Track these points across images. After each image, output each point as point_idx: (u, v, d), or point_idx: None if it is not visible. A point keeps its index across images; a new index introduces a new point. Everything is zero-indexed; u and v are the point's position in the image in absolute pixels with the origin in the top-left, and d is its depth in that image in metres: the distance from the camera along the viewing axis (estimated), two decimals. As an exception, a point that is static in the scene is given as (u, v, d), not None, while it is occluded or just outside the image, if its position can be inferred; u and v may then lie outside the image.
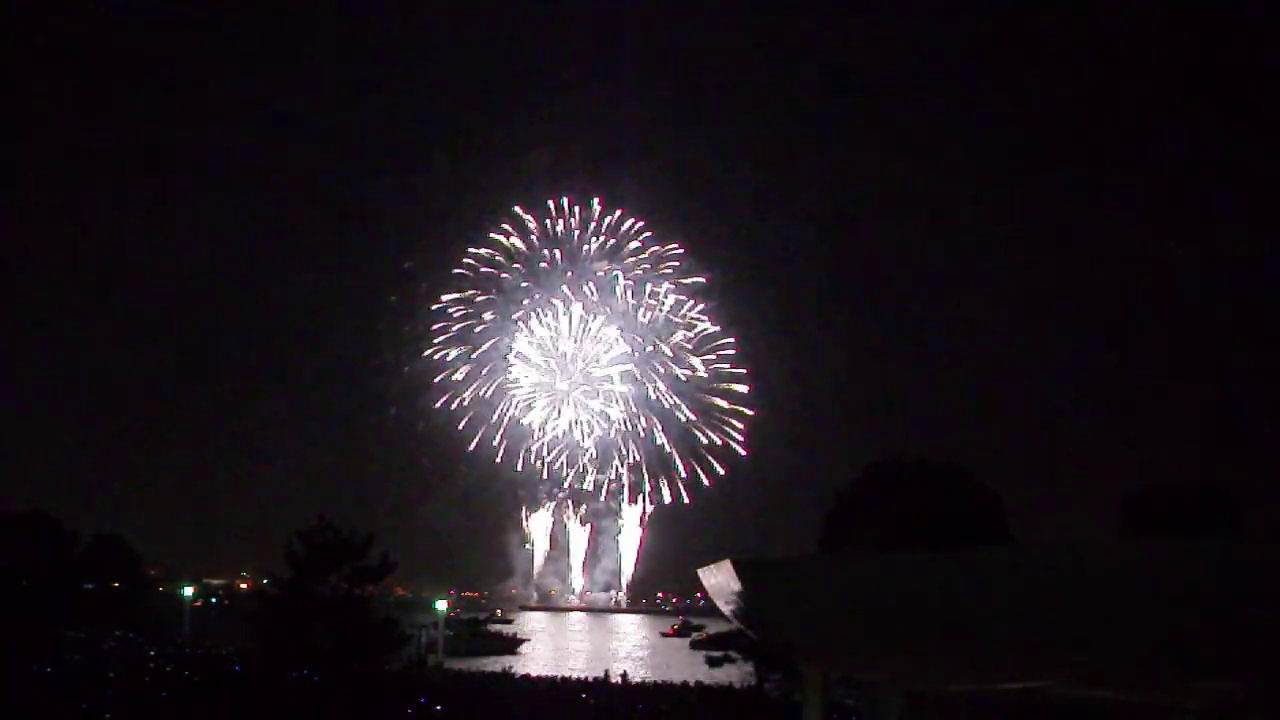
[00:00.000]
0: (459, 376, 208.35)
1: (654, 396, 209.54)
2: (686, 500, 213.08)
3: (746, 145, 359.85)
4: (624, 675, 39.69)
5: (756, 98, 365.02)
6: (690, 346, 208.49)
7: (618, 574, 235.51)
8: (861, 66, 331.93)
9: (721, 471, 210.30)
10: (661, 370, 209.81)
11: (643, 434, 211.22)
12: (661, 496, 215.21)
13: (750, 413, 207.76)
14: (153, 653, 44.12)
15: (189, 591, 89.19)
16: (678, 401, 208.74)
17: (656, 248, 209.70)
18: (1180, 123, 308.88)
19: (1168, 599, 7.43)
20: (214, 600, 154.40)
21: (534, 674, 47.07)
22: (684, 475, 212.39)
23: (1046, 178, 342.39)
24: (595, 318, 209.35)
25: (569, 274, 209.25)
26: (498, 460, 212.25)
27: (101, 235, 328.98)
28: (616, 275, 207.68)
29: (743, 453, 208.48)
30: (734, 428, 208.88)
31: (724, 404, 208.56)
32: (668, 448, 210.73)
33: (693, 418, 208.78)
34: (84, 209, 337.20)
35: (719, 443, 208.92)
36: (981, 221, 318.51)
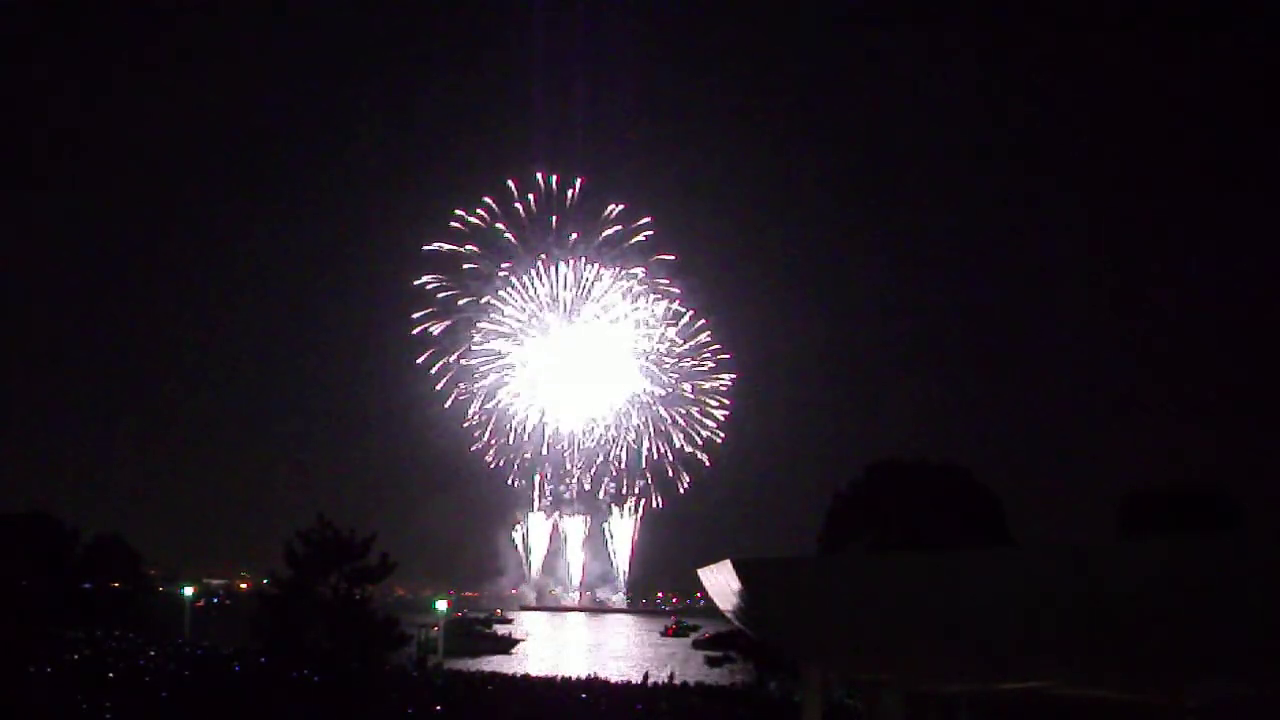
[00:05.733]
0: (459, 375, 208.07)
1: (648, 396, 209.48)
2: (685, 501, 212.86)
3: (744, 140, 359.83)
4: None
5: (754, 91, 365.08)
6: (681, 343, 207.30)
7: (616, 574, 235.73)
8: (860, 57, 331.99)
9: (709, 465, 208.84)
10: (653, 369, 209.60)
11: (639, 435, 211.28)
12: (659, 497, 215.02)
13: (724, 415, 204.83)
14: (153, 653, 44.04)
15: (189, 591, 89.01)
16: (669, 399, 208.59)
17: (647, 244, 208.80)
18: (1191, 122, 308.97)
19: (1168, 599, 7.43)
20: (214, 600, 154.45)
21: (532, 674, 47.08)
22: (681, 475, 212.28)
23: (1052, 179, 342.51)
24: (584, 313, 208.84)
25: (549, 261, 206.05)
26: (497, 461, 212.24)
27: (101, 235, 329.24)
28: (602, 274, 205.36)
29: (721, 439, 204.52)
30: (719, 427, 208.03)
31: (714, 402, 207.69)
32: (664, 447, 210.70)
33: (687, 416, 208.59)
34: (83, 208, 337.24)
35: (718, 441, 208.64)
36: (983, 221, 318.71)
